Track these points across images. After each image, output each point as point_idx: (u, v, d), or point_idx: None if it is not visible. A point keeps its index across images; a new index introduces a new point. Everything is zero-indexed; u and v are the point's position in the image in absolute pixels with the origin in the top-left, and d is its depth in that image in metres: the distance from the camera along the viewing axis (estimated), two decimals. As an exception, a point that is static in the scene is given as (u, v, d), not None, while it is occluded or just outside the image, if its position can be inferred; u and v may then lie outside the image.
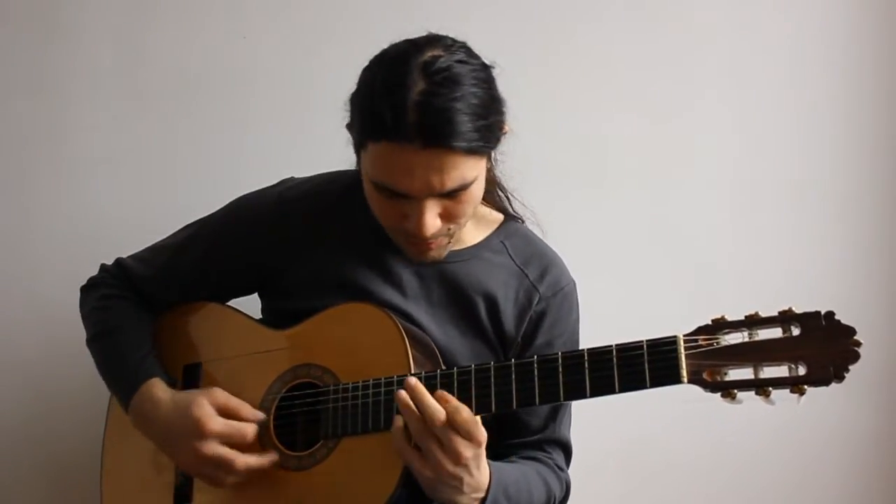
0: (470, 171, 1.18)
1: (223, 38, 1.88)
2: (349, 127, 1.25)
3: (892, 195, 1.81)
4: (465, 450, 1.12)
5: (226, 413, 1.28)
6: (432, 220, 1.20)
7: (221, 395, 1.29)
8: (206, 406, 1.27)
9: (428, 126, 1.12)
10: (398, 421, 1.16)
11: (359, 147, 1.24)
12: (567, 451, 1.42)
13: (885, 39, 1.83)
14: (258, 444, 1.28)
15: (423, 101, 1.13)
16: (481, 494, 1.18)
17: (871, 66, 1.82)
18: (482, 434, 1.14)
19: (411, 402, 1.15)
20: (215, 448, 1.24)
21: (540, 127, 1.69)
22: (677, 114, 1.84)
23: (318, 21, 1.87)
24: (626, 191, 1.83)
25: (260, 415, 1.29)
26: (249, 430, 1.27)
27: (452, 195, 1.20)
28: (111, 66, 1.88)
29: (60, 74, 1.88)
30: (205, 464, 1.26)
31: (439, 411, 1.13)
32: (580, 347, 1.23)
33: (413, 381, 1.17)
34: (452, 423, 1.12)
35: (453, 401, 1.15)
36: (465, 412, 1.13)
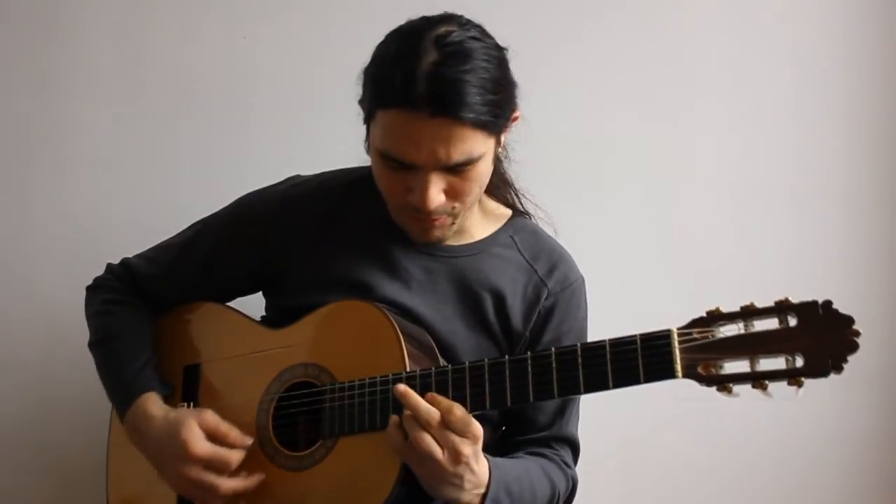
0: (477, 146, 1.18)
1: (223, 38, 1.88)
2: (360, 101, 1.25)
3: (892, 195, 1.81)
4: (464, 447, 1.12)
5: (214, 437, 1.28)
6: (436, 193, 1.20)
7: (212, 419, 1.29)
8: (195, 429, 1.27)
9: (437, 95, 1.13)
10: (393, 419, 1.16)
11: (368, 118, 1.24)
12: (575, 448, 1.41)
13: (885, 39, 1.82)
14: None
15: (433, 71, 1.14)
16: (482, 490, 1.18)
17: (871, 66, 1.82)
18: (478, 429, 1.14)
19: (406, 408, 1.15)
20: (199, 473, 1.26)
21: (540, 127, 1.68)
22: (678, 114, 1.84)
23: (318, 21, 1.87)
24: (626, 191, 1.83)
25: (248, 440, 1.29)
26: (234, 457, 1.27)
27: (458, 170, 1.20)
28: (111, 66, 1.88)
29: (61, 74, 1.89)
30: (190, 486, 1.27)
31: (434, 413, 1.13)
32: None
33: (402, 388, 1.16)
34: (447, 423, 1.12)
35: (445, 401, 1.15)
36: (457, 410, 1.13)
